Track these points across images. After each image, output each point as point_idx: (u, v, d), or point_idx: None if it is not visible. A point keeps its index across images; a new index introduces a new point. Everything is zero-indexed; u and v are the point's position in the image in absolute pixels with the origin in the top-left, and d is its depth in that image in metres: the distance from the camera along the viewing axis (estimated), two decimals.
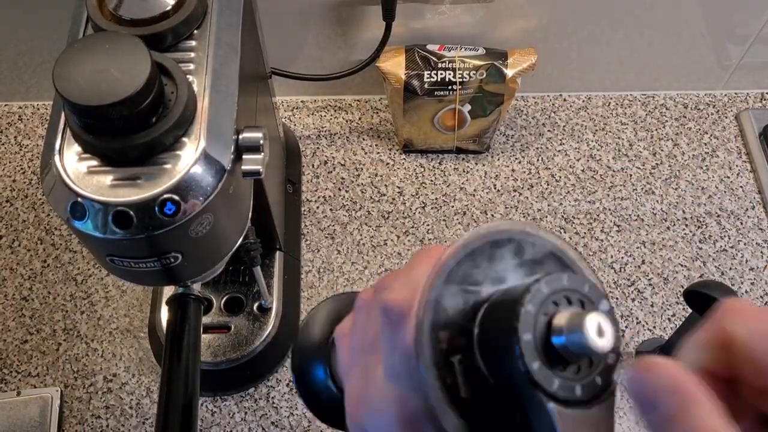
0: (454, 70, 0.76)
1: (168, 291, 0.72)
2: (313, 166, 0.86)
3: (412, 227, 0.81)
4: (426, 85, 0.77)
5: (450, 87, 0.77)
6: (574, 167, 0.86)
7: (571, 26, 0.81)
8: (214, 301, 0.71)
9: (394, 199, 0.83)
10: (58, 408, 0.69)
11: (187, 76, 0.44)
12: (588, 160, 0.86)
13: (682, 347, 0.24)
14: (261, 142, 0.46)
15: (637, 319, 0.75)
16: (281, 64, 0.79)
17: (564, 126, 0.89)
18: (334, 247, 0.80)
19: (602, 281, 0.77)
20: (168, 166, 0.42)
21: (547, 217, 0.82)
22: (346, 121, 0.89)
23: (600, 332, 0.21)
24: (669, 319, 0.75)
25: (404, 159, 0.86)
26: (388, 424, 0.25)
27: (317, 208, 0.83)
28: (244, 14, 0.52)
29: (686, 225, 0.81)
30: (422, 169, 0.86)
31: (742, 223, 0.81)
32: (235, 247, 0.51)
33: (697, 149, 0.87)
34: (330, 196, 0.83)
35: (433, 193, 0.84)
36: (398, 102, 0.79)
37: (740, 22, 0.82)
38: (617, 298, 0.77)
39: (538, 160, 0.86)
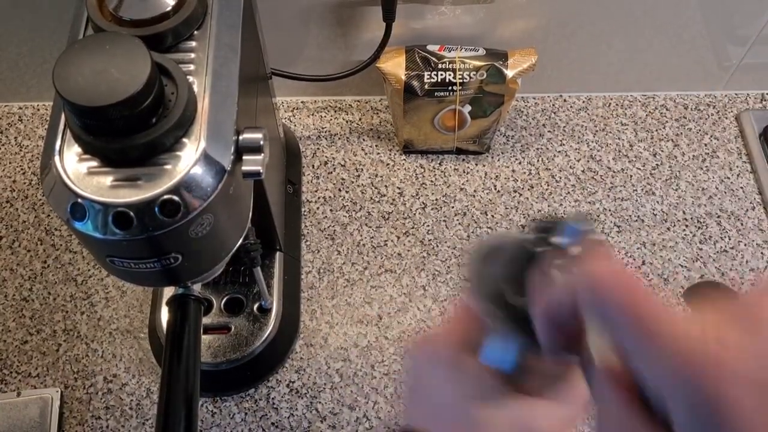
0: (454, 70, 0.76)
1: (168, 292, 0.72)
2: (313, 166, 0.86)
3: (413, 228, 0.81)
4: (426, 86, 0.77)
5: (450, 87, 0.76)
6: (574, 168, 0.86)
7: (572, 27, 0.81)
8: (214, 301, 0.71)
9: (394, 199, 0.83)
10: (58, 409, 0.69)
11: (188, 77, 0.44)
12: (588, 161, 0.86)
13: None
14: (261, 142, 0.46)
15: None
16: (281, 64, 0.79)
17: (564, 127, 0.89)
18: (334, 247, 0.80)
19: None
20: (168, 166, 0.42)
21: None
22: (347, 122, 0.89)
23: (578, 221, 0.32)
24: None
25: (404, 160, 0.86)
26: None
27: (317, 208, 0.83)
28: (244, 15, 0.52)
29: (686, 226, 0.81)
30: (422, 170, 0.85)
31: (742, 224, 0.81)
32: (235, 248, 0.51)
33: (697, 150, 0.87)
34: (330, 197, 0.83)
35: (433, 193, 0.84)
36: (398, 102, 0.79)
37: (740, 23, 0.82)
38: None
39: (538, 160, 0.86)
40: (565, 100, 0.91)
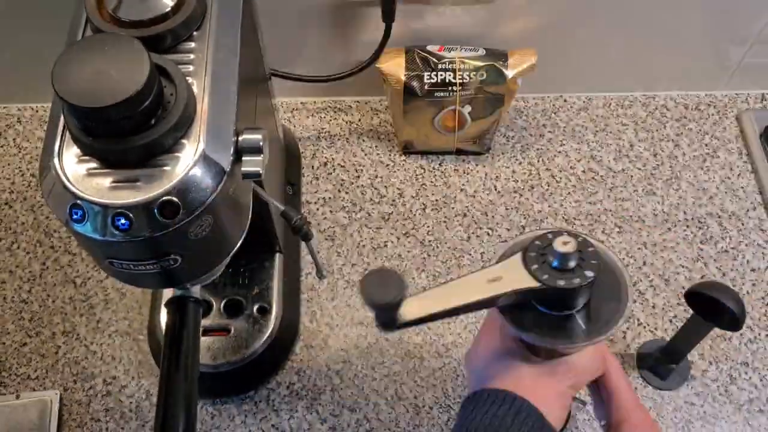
0: (454, 71, 0.76)
1: (168, 293, 0.71)
2: (312, 167, 0.86)
3: (413, 229, 0.81)
4: (426, 87, 0.76)
5: (450, 88, 0.76)
6: (574, 168, 0.85)
7: (572, 27, 0.81)
8: (214, 303, 0.71)
9: (394, 200, 0.83)
10: (57, 411, 0.69)
11: (187, 78, 0.44)
12: (588, 161, 0.86)
13: None
14: (261, 143, 0.46)
15: (638, 320, 0.75)
16: (281, 65, 0.79)
17: (564, 127, 0.89)
18: (334, 248, 0.80)
19: None
20: (167, 168, 0.42)
21: (547, 218, 0.82)
22: (346, 123, 0.89)
23: (564, 244, 0.40)
24: (670, 321, 0.75)
25: (404, 160, 0.86)
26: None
27: (317, 209, 0.82)
28: (243, 16, 0.52)
29: (687, 226, 0.81)
30: (422, 171, 0.85)
31: (743, 224, 0.81)
32: (235, 249, 0.51)
33: (697, 150, 0.87)
34: (330, 198, 0.83)
35: (433, 194, 0.83)
36: (398, 103, 0.79)
37: (741, 23, 0.82)
38: None
39: (538, 161, 0.86)
40: (565, 101, 0.91)
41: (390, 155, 0.87)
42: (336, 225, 0.81)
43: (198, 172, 0.42)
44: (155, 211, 0.41)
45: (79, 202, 0.41)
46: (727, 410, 0.70)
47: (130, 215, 0.41)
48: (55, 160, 0.42)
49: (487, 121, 0.80)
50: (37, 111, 0.91)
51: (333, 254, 0.79)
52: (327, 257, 0.79)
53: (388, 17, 0.74)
